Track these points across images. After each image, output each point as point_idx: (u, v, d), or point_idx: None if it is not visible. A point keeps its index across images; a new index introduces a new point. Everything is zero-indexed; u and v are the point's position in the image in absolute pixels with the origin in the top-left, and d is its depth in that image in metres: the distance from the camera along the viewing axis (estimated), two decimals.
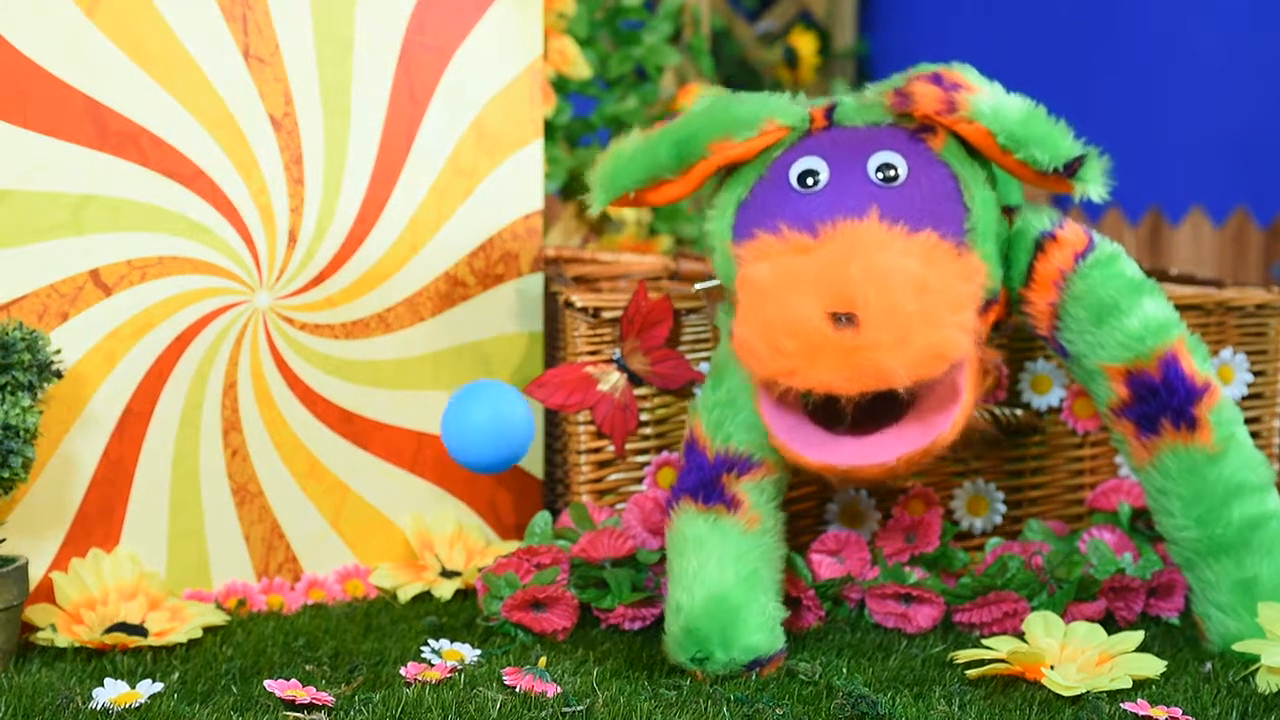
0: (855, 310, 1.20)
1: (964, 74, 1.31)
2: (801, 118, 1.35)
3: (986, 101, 1.29)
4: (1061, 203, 2.55)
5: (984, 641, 1.33)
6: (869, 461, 1.24)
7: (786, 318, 1.21)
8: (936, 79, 1.30)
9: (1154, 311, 1.34)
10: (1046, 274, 1.35)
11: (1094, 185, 1.30)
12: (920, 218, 1.28)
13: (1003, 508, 1.56)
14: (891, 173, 1.30)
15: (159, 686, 1.25)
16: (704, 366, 1.51)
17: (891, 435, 1.25)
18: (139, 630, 1.36)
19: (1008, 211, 1.38)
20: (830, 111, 1.36)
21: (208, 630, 1.39)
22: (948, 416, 1.25)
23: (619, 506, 1.51)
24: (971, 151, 1.33)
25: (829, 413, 1.26)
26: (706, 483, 1.33)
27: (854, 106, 1.36)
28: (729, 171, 1.36)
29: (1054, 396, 1.55)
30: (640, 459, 1.52)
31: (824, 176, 1.31)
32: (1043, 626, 1.34)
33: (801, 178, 1.31)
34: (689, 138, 1.34)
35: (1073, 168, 1.29)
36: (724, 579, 1.30)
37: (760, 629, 1.30)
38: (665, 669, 1.32)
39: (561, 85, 2.12)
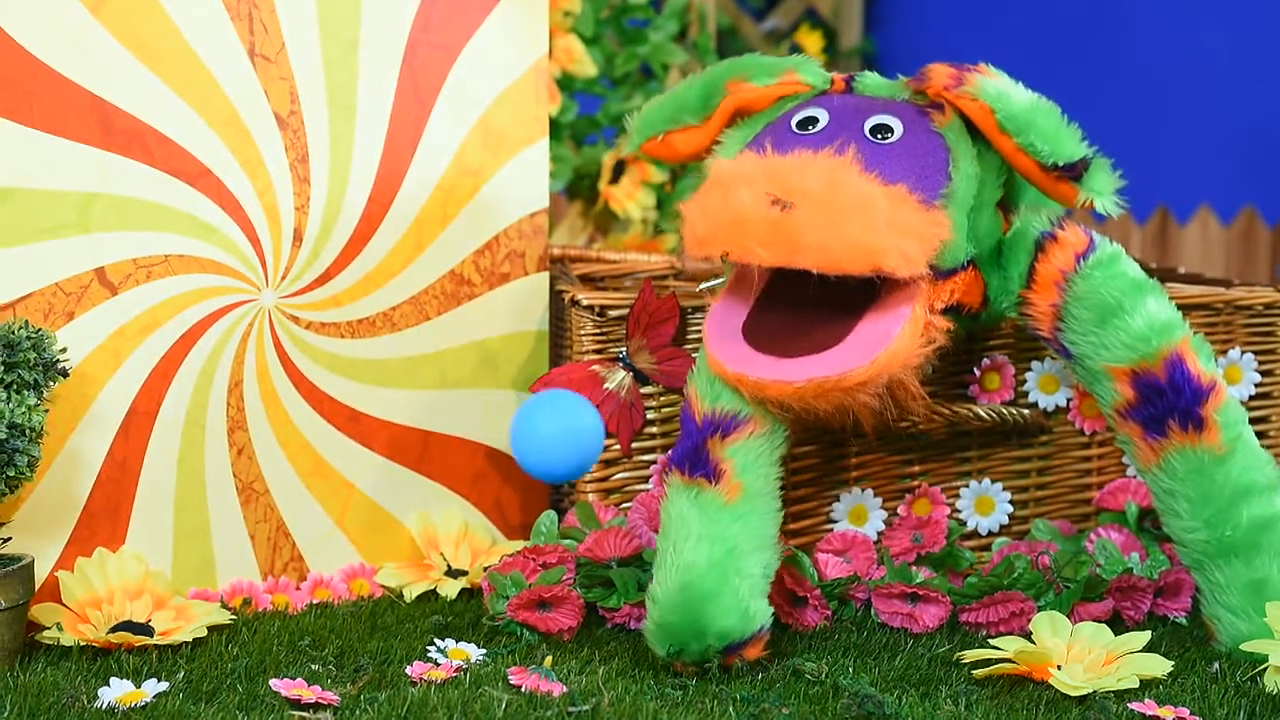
0: (794, 199, 1.23)
1: (985, 66, 1.33)
2: (823, 79, 1.39)
3: (993, 83, 1.32)
4: None
5: (991, 641, 1.33)
6: (778, 378, 1.26)
7: (728, 199, 1.25)
8: (956, 64, 1.32)
9: (1157, 311, 1.34)
10: (1047, 275, 1.35)
11: (1102, 197, 1.30)
12: (898, 173, 1.30)
13: (1009, 507, 1.56)
14: (886, 133, 1.32)
15: (164, 686, 1.25)
16: None
17: (808, 361, 1.27)
18: (144, 629, 1.36)
19: (1005, 210, 1.37)
20: (851, 80, 1.40)
21: (213, 629, 1.39)
22: (868, 354, 1.25)
23: (625, 506, 1.51)
24: (976, 135, 1.33)
25: (767, 339, 1.29)
26: (693, 450, 1.33)
27: (875, 81, 1.39)
28: (746, 118, 1.39)
29: (1061, 396, 1.55)
30: (646, 458, 1.52)
31: (821, 124, 1.34)
32: (1049, 626, 1.34)
33: (802, 123, 1.34)
34: (714, 79, 1.40)
35: (1076, 169, 1.29)
36: (696, 564, 1.30)
37: (731, 613, 1.29)
38: (671, 668, 1.31)
39: (567, 84, 2.12)
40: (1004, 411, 1.52)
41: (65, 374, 1.33)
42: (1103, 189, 1.30)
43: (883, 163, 1.29)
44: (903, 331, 1.27)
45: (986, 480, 1.55)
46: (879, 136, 1.32)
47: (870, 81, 1.39)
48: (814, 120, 1.34)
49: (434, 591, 1.53)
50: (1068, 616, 1.37)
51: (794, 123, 1.35)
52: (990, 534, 1.56)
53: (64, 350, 1.33)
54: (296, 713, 1.21)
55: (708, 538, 1.31)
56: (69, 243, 1.39)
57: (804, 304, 1.28)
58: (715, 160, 1.34)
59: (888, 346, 1.26)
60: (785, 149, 1.31)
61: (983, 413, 1.51)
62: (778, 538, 1.34)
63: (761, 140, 1.35)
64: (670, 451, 1.38)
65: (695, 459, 1.33)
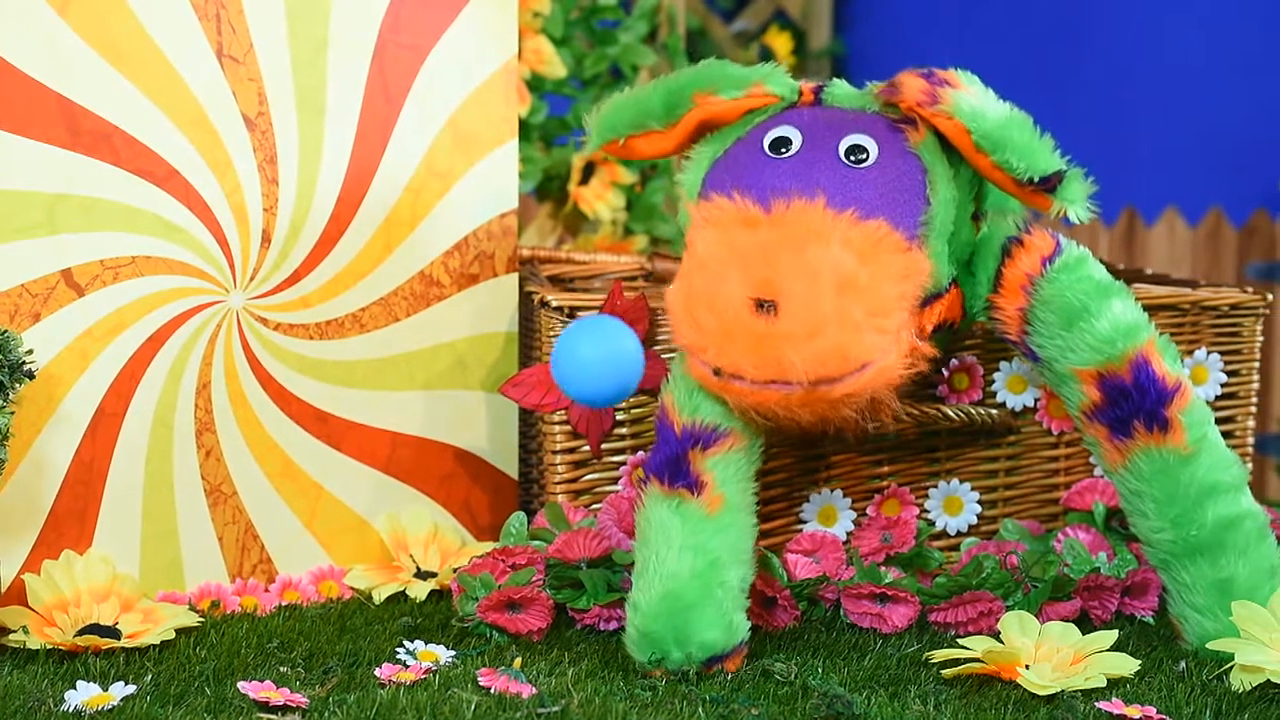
0: (777, 299, 1.22)
1: (958, 75, 1.32)
2: (791, 89, 1.38)
3: (968, 100, 1.30)
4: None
5: (959, 641, 1.33)
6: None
7: (711, 295, 1.24)
8: (929, 75, 1.32)
9: (1123, 314, 1.34)
10: (1014, 279, 1.35)
11: (1075, 206, 1.30)
12: (876, 205, 1.29)
13: (978, 508, 1.56)
14: (861, 155, 1.31)
15: (132, 689, 1.24)
16: None
17: None
18: (112, 632, 1.35)
19: (977, 219, 1.38)
20: (819, 90, 1.38)
21: (181, 632, 1.39)
22: (855, 371, 1.25)
23: (595, 507, 1.51)
24: (950, 151, 1.33)
25: None
26: (672, 460, 1.33)
27: (844, 91, 1.38)
28: (714, 131, 1.38)
29: (1029, 396, 1.55)
30: (616, 459, 1.52)
31: (795, 146, 1.32)
32: (1018, 626, 1.34)
33: (774, 144, 1.33)
34: (680, 88, 1.37)
35: (1051, 182, 1.29)
36: (680, 573, 1.30)
37: (715, 625, 1.30)
38: (640, 669, 1.32)
39: (536, 85, 2.11)
40: (972, 412, 1.52)
41: (31, 376, 1.32)
42: (1076, 198, 1.31)
43: (860, 193, 1.29)
44: (890, 352, 1.27)
45: (955, 480, 1.56)
46: (854, 159, 1.31)
47: (839, 92, 1.37)
48: (787, 141, 1.33)
49: (403, 593, 1.52)
50: (1036, 616, 1.38)
51: (766, 144, 1.33)
52: (959, 534, 1.57)
53: (30, 352, 1.33)
54: (265, 715, 1.21)
55: (690, 548, 1.31)
56: (35, 244, 1.38)
57: None
58: (695, 231, 1.31)
59: (875, 364, 1.26)
60: (760, 175, 1.30)
61: (951, 413, 1.51)
62: (753, 553, 1.35)
63: (734, 162, 1.34)
64: (646, 459, 1.38)
65: (675, 469, 1.33)
